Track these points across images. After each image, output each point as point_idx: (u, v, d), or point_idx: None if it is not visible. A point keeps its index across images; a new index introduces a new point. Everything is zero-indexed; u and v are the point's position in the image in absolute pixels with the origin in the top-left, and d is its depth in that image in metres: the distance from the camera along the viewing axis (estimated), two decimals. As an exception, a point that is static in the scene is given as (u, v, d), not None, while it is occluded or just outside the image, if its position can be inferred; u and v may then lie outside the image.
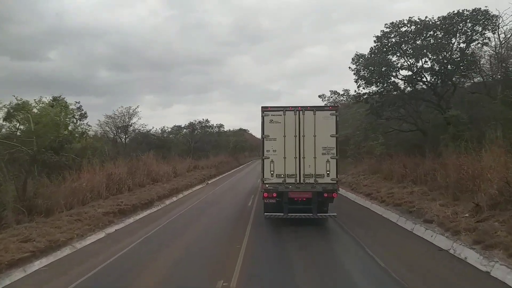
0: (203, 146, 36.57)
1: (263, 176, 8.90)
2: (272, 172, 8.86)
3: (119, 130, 25.99)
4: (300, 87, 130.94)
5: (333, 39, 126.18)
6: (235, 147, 50.58)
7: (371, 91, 16.67)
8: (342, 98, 29.71)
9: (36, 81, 68.09)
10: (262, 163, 8.92)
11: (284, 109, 8.93)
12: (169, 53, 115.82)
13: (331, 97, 30.80)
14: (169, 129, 36.25)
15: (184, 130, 38.45)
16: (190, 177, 21.28)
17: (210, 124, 41.19)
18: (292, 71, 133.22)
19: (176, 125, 38.39)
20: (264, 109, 8.93)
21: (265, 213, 9.06)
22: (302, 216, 8.70)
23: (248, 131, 73.02)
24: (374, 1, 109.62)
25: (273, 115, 8.90)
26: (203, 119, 40.79)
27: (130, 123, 26.47)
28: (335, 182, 8.71)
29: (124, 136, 26.24)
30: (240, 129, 70.57)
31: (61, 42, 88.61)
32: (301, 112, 8.85)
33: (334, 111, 8.93)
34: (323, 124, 8.75)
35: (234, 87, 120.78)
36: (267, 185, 8.85)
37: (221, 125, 48.87)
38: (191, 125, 39.01)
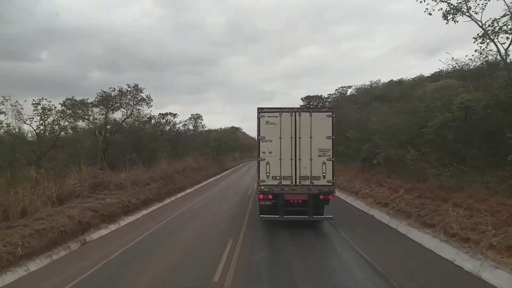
0: (144, 143, 20.94)
1: (259, 178, 8.97)
2: (268, 174, 8.93)
3: None
4: (294, 87, 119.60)
5: (328, 40, 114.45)
6: (219, 146, 37.45)
7: None
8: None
9: (28, 81, 60.52)
10: (258, 164, 9.01)
11: (280, 110, 8.98)
12: (163, 53, 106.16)
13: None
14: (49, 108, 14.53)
15: (93, 110, 18.50)
16: (42, 222, 8.22)
17: (144, 96, 20.14)
18: (287, 71, 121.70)
19: (70, 98, 17.03)
20: (260, 110, 8.97)
21: (261, 215, 9.12)
22: (298, 218, 8.87)
23: (241, 129, 64.15)
24: (369, 2, 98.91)
25: (269, 117, 8.93)
26: (132, 85, 19.28)
27: None
28: (331, 184, 8.76)
29: None
30: (232, 127, 62.10)
31: (53, 42, 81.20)
32: (297, 113, 8.94)
33: (331, 113, 8.88)
34: (319, 125, 8.80)
35: (229, 87, 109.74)
36: (262, 187, 8.90)
37: (198, 116, 35.60)
38: (105, 98, 18.39)
